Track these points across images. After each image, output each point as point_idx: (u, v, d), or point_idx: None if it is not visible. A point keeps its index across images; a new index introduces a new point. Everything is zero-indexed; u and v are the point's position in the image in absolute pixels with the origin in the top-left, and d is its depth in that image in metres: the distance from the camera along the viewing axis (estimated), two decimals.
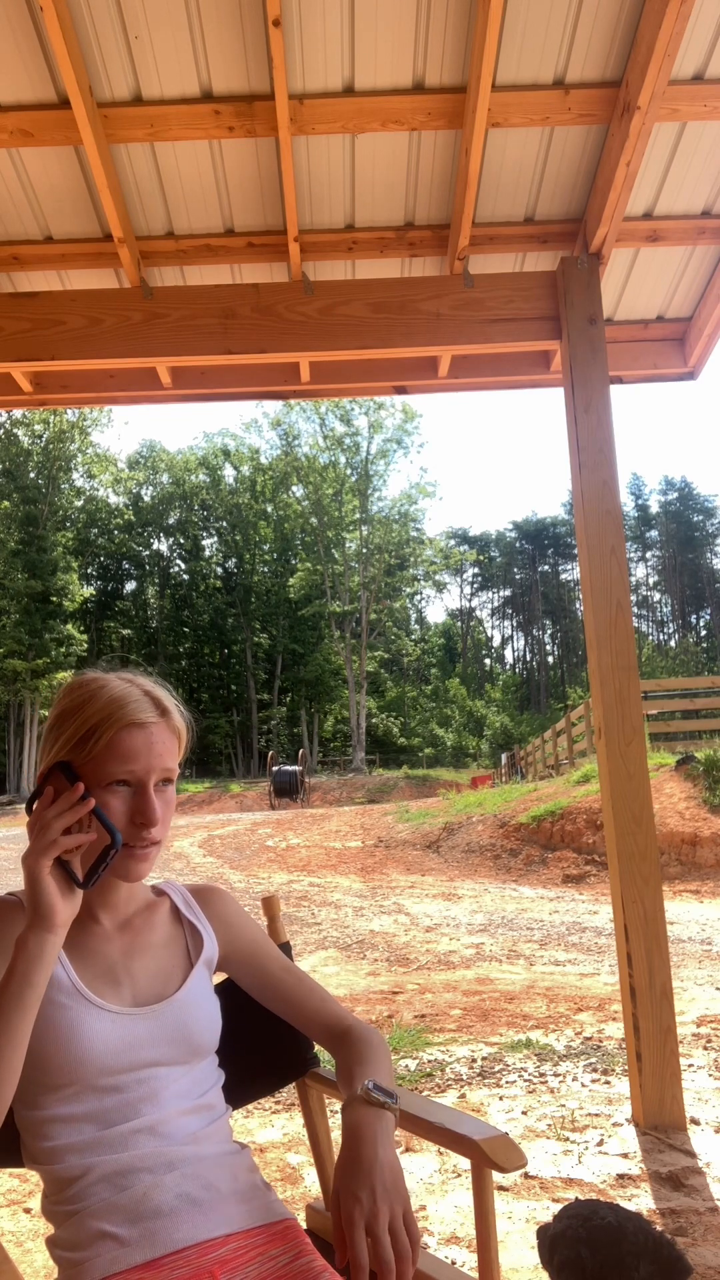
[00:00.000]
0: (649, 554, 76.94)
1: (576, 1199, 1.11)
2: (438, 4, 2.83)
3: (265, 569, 54.30)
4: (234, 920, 1.27)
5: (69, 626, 41.03)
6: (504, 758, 31.26)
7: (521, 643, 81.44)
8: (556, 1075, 3.44)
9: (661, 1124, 2.79)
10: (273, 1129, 2.96)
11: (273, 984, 1.26)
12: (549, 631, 78.40)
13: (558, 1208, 1.06)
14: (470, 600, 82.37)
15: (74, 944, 1.11)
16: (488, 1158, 1.03)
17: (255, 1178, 1.12)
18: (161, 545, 55.75)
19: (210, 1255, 0.99)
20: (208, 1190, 1.04)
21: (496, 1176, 2.31)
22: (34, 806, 1.04)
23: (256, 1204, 1.08)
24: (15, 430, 41.53)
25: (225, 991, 1.26)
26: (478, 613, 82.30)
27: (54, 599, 40.03)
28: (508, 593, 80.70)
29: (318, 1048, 1.39)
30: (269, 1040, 1.35)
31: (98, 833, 1.03)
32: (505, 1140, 1.06)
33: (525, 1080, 3.39)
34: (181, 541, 55.04)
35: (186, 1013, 1.13)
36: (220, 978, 1.27)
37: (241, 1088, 1.31)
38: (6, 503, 39.85)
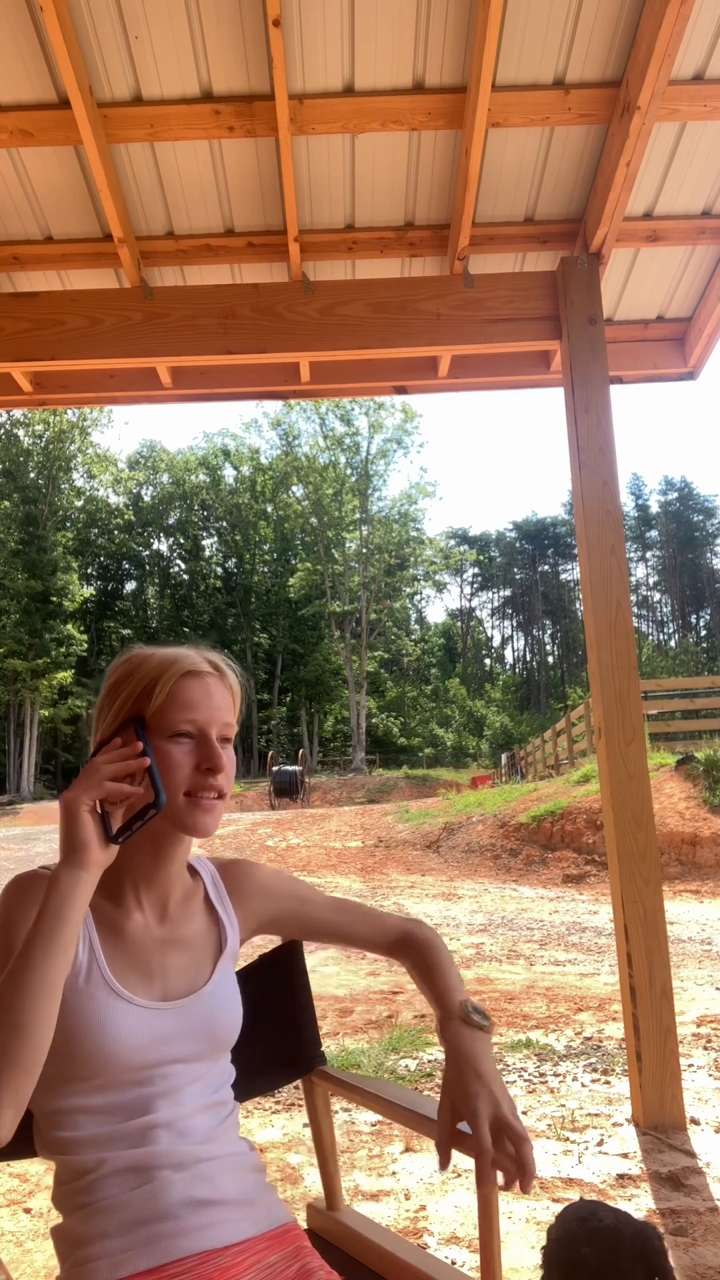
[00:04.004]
0: (649, 554, 76.94)
1: (581, 1198, 1.11)
2: (438, 4, 2.83)
3: (265, 569, 54.30)
4: (268, 886, 1.27)
5: (69, 626, 41.04)
6: (504, 758, 31.27)
7: (521, 643, 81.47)
8: (556, 1075, 3.44)
9: (661, 1124, 2.79)
10: (273, 1129, 2.96)
11: (322, 929, 1.28)
12: (549, 631, 78.42)
13: (558, 1208, 1.06)
14: (470, 600, 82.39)
15: (112, 931, 1.10)
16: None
17: (260, 1178, 1.13)
18: (161, 545, 55.76)
19: (211, 1263, 1.00)
20: (215, 1192, 1.05)
21: (499, 1176, 2.31)
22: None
23: (259, 1209, 1.08)
24: (15, 430, 41.53)
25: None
26: (478, 613, 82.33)
27: (54, 599, 40.03)
28: (508, 593, 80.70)
29: (323, 1045, 1.39)
30: (276, 1036, 1.35)
31: (145, 791, 1.01)
32: None
33: (525, 1080, 3.39)
34: (181, 541, 55.04)
35: (213, 1008, 1.13)
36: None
37: (247, 1083, 1.31)
38: (6, 503, 39.85)
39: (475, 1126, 0.98)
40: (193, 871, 1.24)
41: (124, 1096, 1.04)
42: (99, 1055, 1.02)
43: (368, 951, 1.32)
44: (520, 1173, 0.97)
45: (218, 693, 1.10)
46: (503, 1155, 0.97)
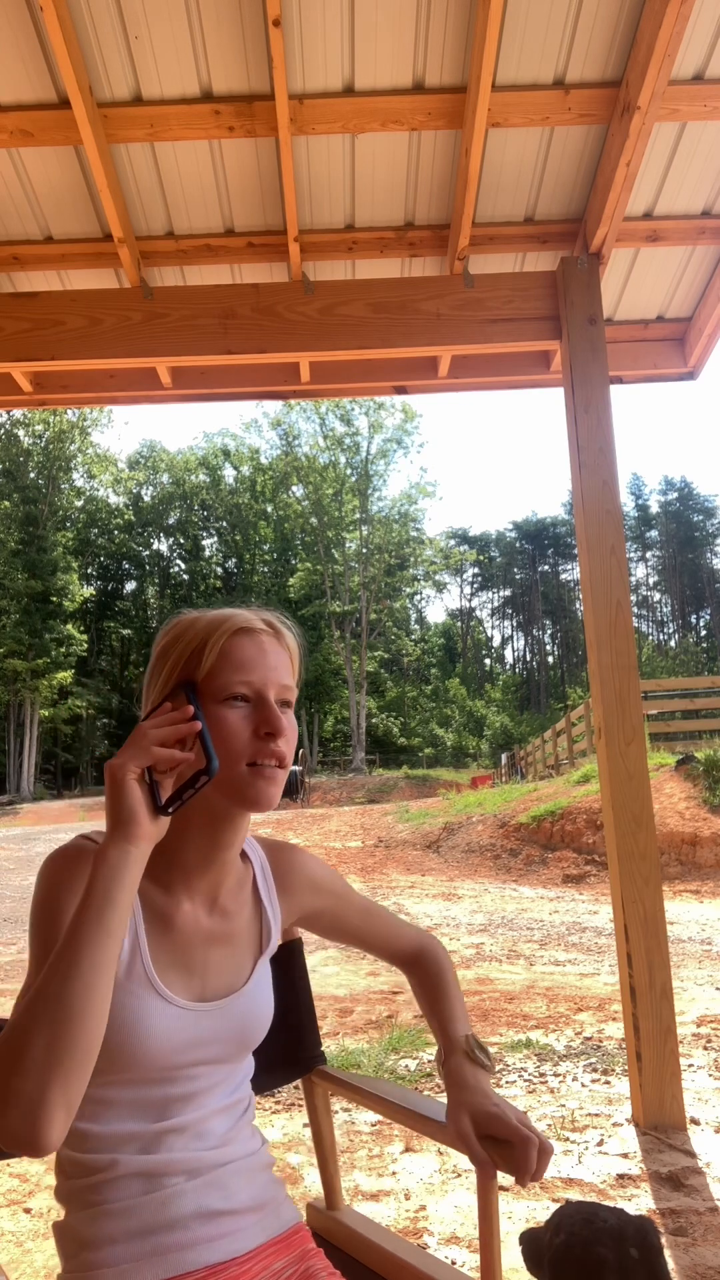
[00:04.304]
0: (649, 554, 76.95)
1: (567, 1201, 1.11)
2: (438, 4, 2.83)
3: (265, 569, 54.31)
4: (316, 879, 1.21)
5: (69, 626, 41.04)
6: (504, 758, 31.27)
7: (521, 643, 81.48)
8: (556, 1075, 3.43)
9: (661, 1124, 2.79)
10: (272, 1129, 2.96)
11: (349, 932, 1.25)
12: (549, 631, 78.43)
13: (561, 1205, 1.07)
14: (470, 600, 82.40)
15: (159, 921, 1.03)
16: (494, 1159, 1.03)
17: (270, 1176, 1.11)
18: (161, 545, 55.77)
19: (219, 1274, 0.98)
20: (227, 1202, 1.02)
21: (499, 1177, 2.31)
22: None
23: (268, 1213, 1.07)
24: (15, 430, 41.54)
25: None
26: (478, 613, 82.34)
27: (54, 599, 40.03)
28: (508, 593, 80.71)
29: (323, 1045, 1.39)
30: (276, 1036, 1.35)
31: (197, 757, 0.93)
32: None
33: (525, 1080, 3.39)
34: (181, 541, 55.05)
35: (248, 1009, 1.08)
36: None
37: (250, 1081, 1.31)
38: (6, 503, 39.85)
39: (512, 1128, 0.98)
40: (243, 855, 1.16)
41: (148, 1094, 1.01)
42: (130, 1053, 0.98)
43: (380, 959, 1.31)
44: (534, 1174, 0.97)
45: (274, 652, 1.03)
46: (526, 1157, 0.97)
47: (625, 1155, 2.62)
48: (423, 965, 1.24)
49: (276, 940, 1.15)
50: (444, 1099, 1.08)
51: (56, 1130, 0.78)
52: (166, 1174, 0.99)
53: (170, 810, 0.92)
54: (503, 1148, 0.98)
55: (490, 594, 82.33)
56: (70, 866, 0.97)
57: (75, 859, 0.98)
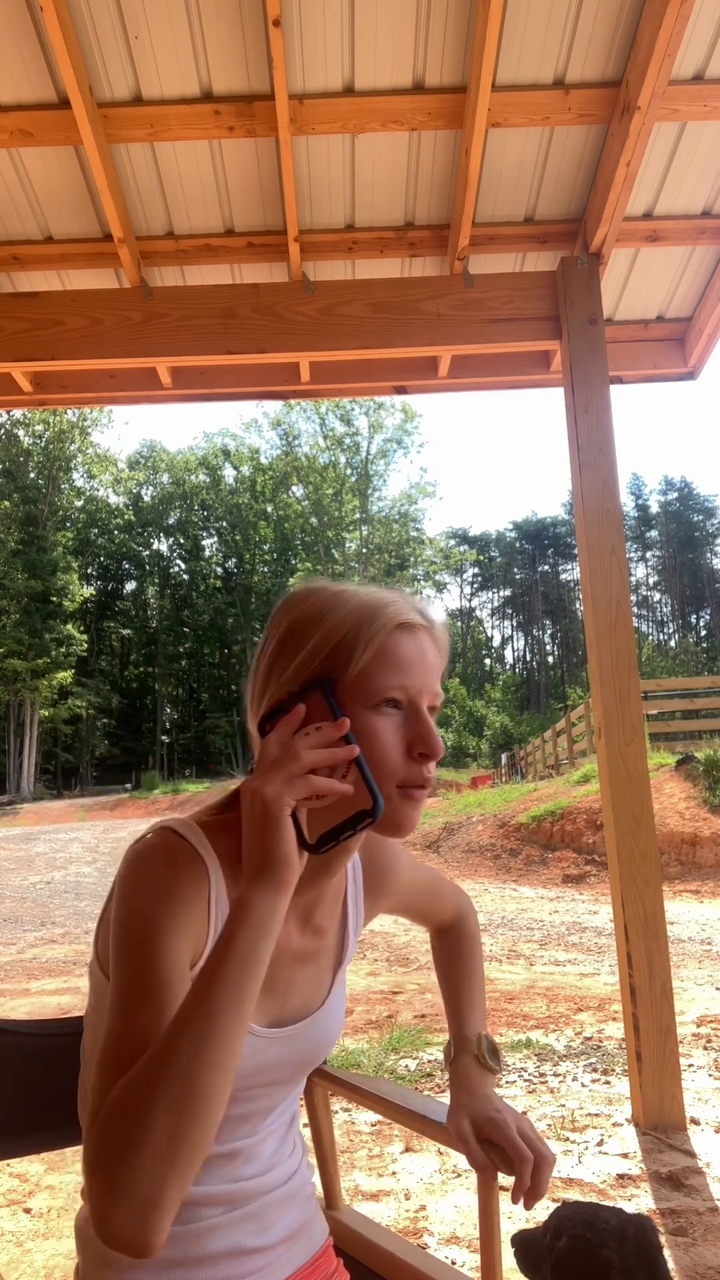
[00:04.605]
0: (649, 554, 76.95)
1: (564, 1202, 1.11)
2: (438, 4, 2.83)
3: (265, 569, 54.30)
4: (406, 884, 1.13)
5: (69, 626, 41.04)
6: (504, 758, 31.28)
7: (521, 643, 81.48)
8: (556, 1075, 3.43)
9: (661, 1124, 2.79)
10: None
11: (411, 914, 1.19)
12: (549, 631, 78.43)
13: (557, 1207, 1.06)
14: (470, 600, 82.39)
15: None
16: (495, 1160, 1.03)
17: (307, 1197, 1.05)
18: (161, 545, 55.78)
19: None
20: (261, 1239, 0.96)
21: (500, 1177, 2.31)
22: (273, 725, 0.80)
23: (300, 1241, 1.00)
24: (15, 430, 41.55)
25: None
26: (478, 613, 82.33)
27: (54, 599, 40.03)
28: (508, 593, 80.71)
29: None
30: None
31: (356, 790, 0.78)
32: None
33: (525, 1080, 3.39)
34: (181, 541, 55.05)
35: (322, 1029, 0.99)
36: None
37: None
38: (6, 503, 39.86)
39: (509, 1140, 0.95)
40: None
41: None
42: None
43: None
44: (531, 1193, 0.94)
45: (430, 652, 0.88)
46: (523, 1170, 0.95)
47: (625, 1155, 2.62)
48: (451, 936, 1.19)
49: (353, 949, 1.05)
50: (445, 1099, 1.08)
51: (166, 1232, 0.65)
52: (204, 1205, 0.92)
53: (323, 851, 0.78)
54: (503, 1153, 0.98)
55: (490, 594, 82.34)
56: (174, 877, 0.82)
57: (176, 865, 0.83)
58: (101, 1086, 0.70)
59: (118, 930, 0.80)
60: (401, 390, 4.03)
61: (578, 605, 70.99)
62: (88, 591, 45.65)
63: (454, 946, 1.19)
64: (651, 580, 77.16)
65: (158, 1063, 0.67)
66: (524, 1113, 3.00)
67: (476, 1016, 1.12)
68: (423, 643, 0.87)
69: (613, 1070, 3.45)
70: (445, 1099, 1.07)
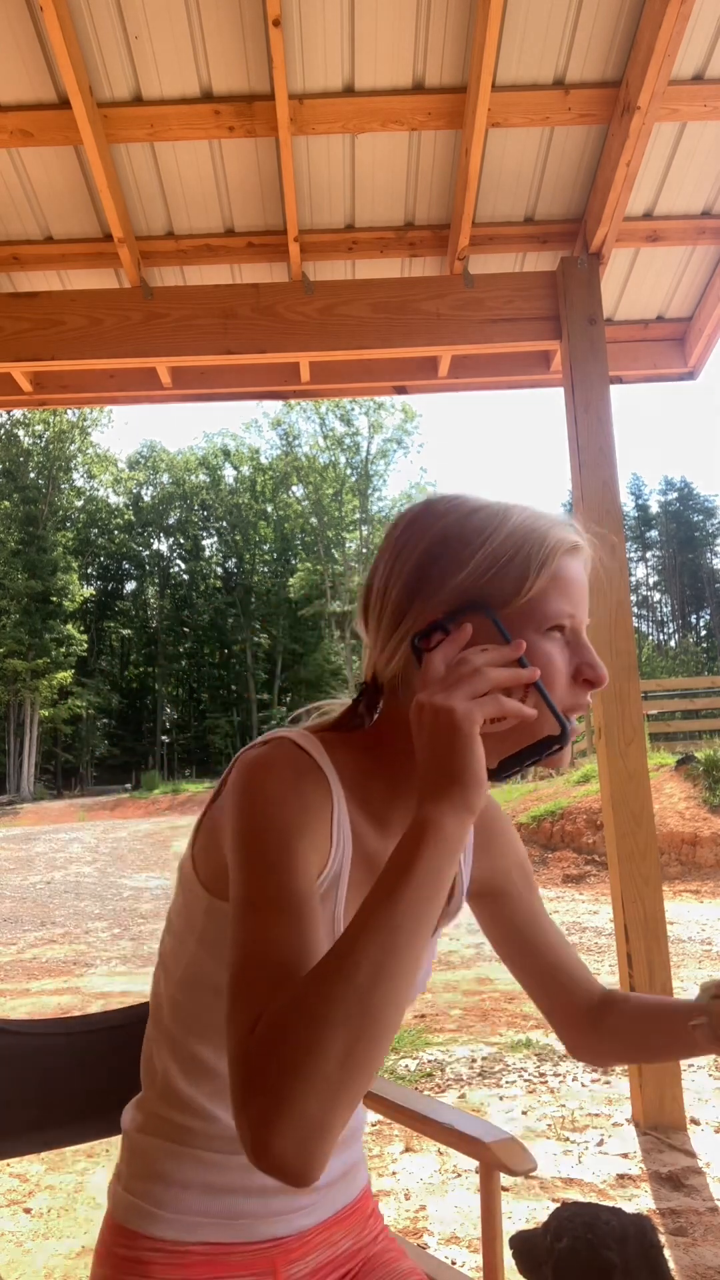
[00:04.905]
0: (649, 554, 76.97)
1: (563, 1204, 1.11)
2: (438, 4, 2.83)
3: (265, 569, 54.30)
4: (511, 846, 1.02)
5: (69, 626, 41.03)
6: None
7: None
8: (556, 1075, 3.43)
9: (661, 1124, 2.79)
10: None
11: (527, 934, 0.99)
12: None
13: (557, 1208, 1.06)
14: None
15: (367, 867, 0.85)
16: (498, 1160, 1.04)
17: (356, 1141, 1.02)
18: (161, 545, 55.77)
19: (279, 1246, 0.93)
20: None
21: (501, 1176, 2.31)
22: (428, 645, 0.76)
23: (344, 1184, 0.98)
24: (15, 430, 41.55)
25: None
26: None
27: (54, 599, 40.03)
28: None
29: None
30: None
31: (540, 714, 0.74)
32: (514, 1143, 1.06)
33: (525, 1080, 3.39)
34: (181, 541, 55.05)
35: (426, 967, 0.92)
36: None
37: None
38: (6, 503, 39.86)
39: None
40: None
41: None
42: None
43: (549, 1002, 1.00)
44: None
45: (587, 578, 0.84)
46: None
47: (625, 1155, 2.62)
48: (619, 998, 0.98)
49: (462, 901, 0.98)
50: (442, 1099, 1.08)
51: (327, 1160, 0.60)
52: None
53: (504, 776, 0.75)
54: None
55: None
56: (302, 789, 0.78)
57: (302, 777, 0.78)
58: (246, 1005, 0.64)
59: (245, 842, 0.74)
60: (401, 390, 4.03)
61: None
62: (88, 591, 45.65)
63: (626, 1000, 0.98)
64: (651, 580, 77.16)
65: (332, 981, 0.61)
66: (524, 1113, 3.01)
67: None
68: (584, 565, 0.83)
69: (612, 1070, 3.45)
70: (446, 1099, 1.07)
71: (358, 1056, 0.60)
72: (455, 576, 0.79)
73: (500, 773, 0.74)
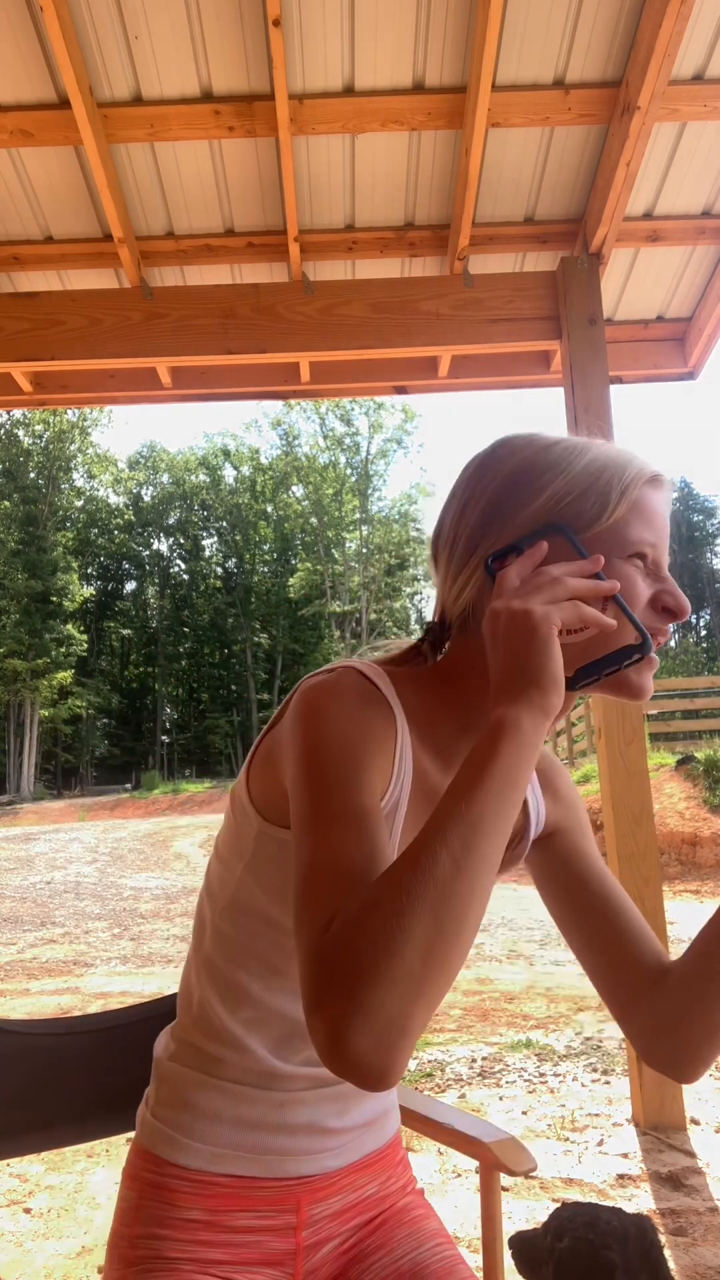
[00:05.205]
0: None
1: (563, 1204, 1.11)
2: (438, 4, 2.83)
3: (265, 569, 54.30)
4: (571, 795, 1.00)
5: (69, 626, 41.04)
6: None
7: None
8: (556, 1075, 3.43)
9: (661, 1124, 2.79)
10: None
11: (587, 883, 0.93)
12: None
13: (557, 1208, 1.06)
14: None
15: (426, 798, 0.83)
16: (498, 1160, 1.04)
17: (390, 1095, 1.01)
18: (161, 545, 55.77)
19: (303, 1185, 0.93)
20: (340, 1119, 0.93)
21: (501, 1177, 2.31)
22: (503, 565, 0.75)
23: (374, 1129, 0.98)
24: (15, 430, 41.55)
25: None
26: None
27: (54, 599, 40.04)
28: None
29: None
30: None
31: (620, 625, 0.74)
32: (515, 1143, 1.06)
33: (525, 1080, 3.39)
34: (181, 541, 55.05)
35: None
36: None
37: None
38: (6, 503, 39.87)
39: None
40: None
41: None
42: None
43: (609, 976, 0.90)
44: None
45: (668, 512, 0.83)
46: None
47: (625, 1155, 2.62)
48: (675, 962, 0.88)
49: (527, 845, 0.95)
50: (442, 1099, 1.08)
51: (406, 1062, 0.59)
52: (294, 1079, 0.90)
53: (580, 687, 0.74)
54: None
55: None
56: (368, 716, 0.76)
57: (369, 704, 0.77)
58: (318, 908, 0.63)
59: (309, 760, 0.73)
60: (401, 390, 4.03)
61: None
62: (88, 591, 45.66)
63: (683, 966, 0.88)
64: None
65: (411, 874, 0.60)
66: (524, 1113, 3.01)
67: None
68: (667, 500, 0.83)
69: (613, 1070, 3.45)
70: (446, 1099, 1.07)
71: (439, 951, 0.58)
72: (533, 503, 0.79)
73: (578, 681, 0.74)
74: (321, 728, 0.74)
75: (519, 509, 0.79)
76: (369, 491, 45.64)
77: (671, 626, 0.80)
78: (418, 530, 48.41)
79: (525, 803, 0.93)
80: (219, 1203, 0.89)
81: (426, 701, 0.85)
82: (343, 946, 0.59)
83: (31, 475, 42.15)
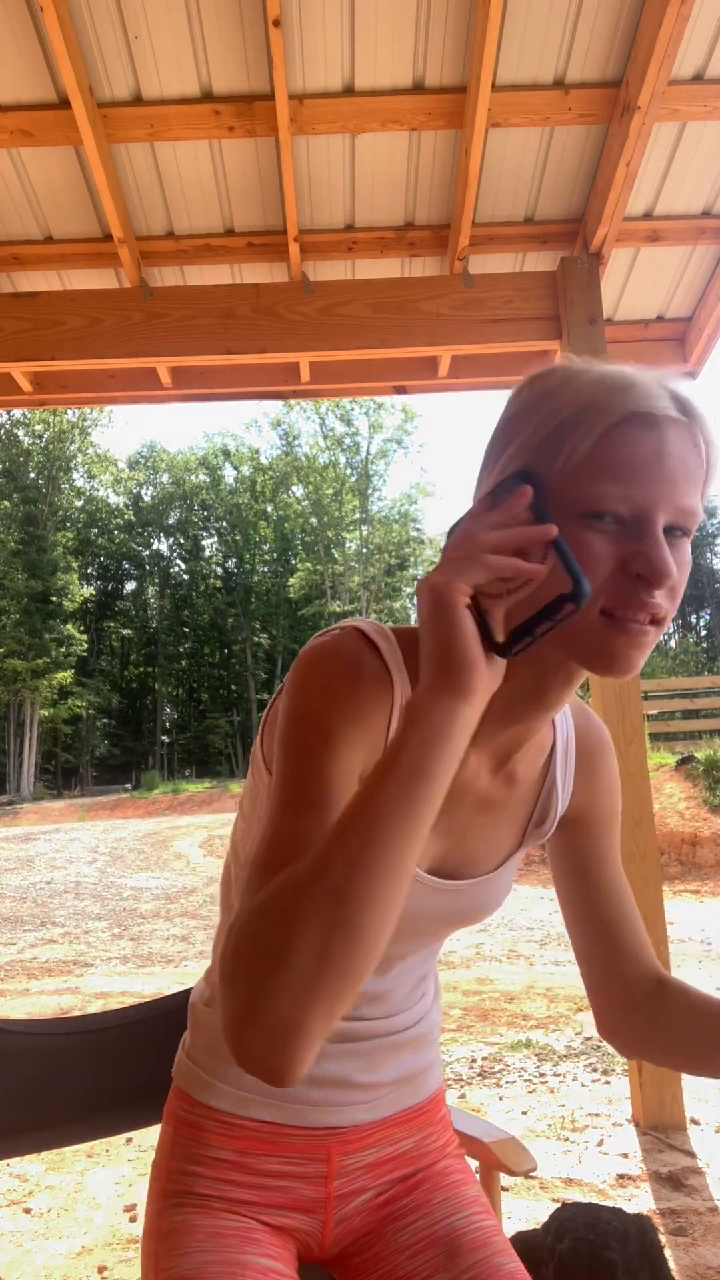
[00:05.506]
0: None
1: (563, 1204, 1.11)
2: (438, 4, 2.83)
3: (265, 569, 54.30)
4: (613, 786, 0.96)
5: (69, 626, 41.04)
6: None
7: None
8: (556, 1075, 3.43)
9: (661, 1124, 2.79)
10: None
11: (594, 885, 0.94)
12: None
13: (557, 1208, 1.06)
14: None
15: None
16: (498, 1160, 1.04)
17: (424, 1047, 0.98)
18: (161, 545, 55.76)
19: (334, 1135, 0.92)
20: (369, 1074, 0.92)
21: (500, 1177, 2.31)
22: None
23: (411, 1085, 0.97)
24: (15, 430, 41.56)
25: None
26: None
27: (54, 599, 40.04)
28: None
29: None
30: None
31: (553, 573, 0.64)
32: (515, 1143, 1.07)
33: (525, 1080, 3.39)
34: (181, 541, 55.04)
35: (487, 897, 0.89)
36: None
37: None
38: (6, 503, 39.88)
39: None
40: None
41: None
42: None
43: (598, 978, 0.95)
44: None
45: (678, 453, 0.67)
46: None
47: (625, 1155, 2.62)
48: (677, 986, 0.91)
49: (552, 826, 0.92)
50: (446, 1099, 1.07)
51: (307, 1063, 0.58)
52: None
53: (514, 653, 0.65)
54: None
55: None
56: (355, 683, 0.71)
57: (359, 671, 0.72)
58: (251, 887, 0.63)
59: (286, 728, 0.71)
60: (401, 390, 4.03)
61: None
62: (88, 591, 45.67)
63: (682, 990, 0.90)
64: None
65: (309, 873, 0.58)
66: (524, 1113, 3.01)
67: None
68: (665, 440, 0.67)
69: (613, 1070, 3.45)
70: (446, 1099, 1.07)
71: (334, 956, 0.56)
72: (510, 447, 0.71)
73: (513, 646, 0.64)
74: (303, 694, 0.72)
75: (500, 454, 0.72)
76: (369, 491, 45.65)
77: (662, 602, 0.67)
78: (418, 530, 48.42)
79: (551, 776, 0.88)
80: (247, 1145, 0.90)
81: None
82: (243, 941, 0.59)
83: (31, 475, 42.16)
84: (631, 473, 0.67)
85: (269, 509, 53.43)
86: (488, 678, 0.63)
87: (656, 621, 0.68)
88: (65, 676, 39.77)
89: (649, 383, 0.68)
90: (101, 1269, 2.13)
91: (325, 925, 0.57)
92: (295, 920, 0.57)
